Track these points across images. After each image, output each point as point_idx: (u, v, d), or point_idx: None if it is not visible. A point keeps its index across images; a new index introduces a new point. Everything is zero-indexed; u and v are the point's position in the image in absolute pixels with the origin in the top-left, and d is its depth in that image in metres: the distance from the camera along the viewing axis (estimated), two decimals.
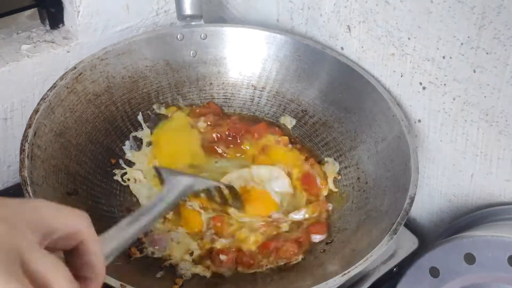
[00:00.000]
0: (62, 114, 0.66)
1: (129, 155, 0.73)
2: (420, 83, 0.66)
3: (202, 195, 0.66)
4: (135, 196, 0.69)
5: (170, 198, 0.56)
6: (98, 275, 0.36)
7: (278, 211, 0.68)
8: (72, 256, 0.35)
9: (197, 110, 0.79)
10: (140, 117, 0.76)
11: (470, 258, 0.58)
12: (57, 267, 0.32)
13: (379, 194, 0.65)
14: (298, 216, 0.68)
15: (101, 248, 0.36)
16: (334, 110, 0.76)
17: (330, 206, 0.69)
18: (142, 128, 0.75)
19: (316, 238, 0.66)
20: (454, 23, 0.59)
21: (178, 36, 0.78)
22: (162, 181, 0.62)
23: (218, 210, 0.67)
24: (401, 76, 0.68)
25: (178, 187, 0.58)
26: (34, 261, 0.30)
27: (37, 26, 0.78)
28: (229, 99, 0.81)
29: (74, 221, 0.35)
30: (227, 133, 0.75)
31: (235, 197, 0.67)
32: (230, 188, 0.67)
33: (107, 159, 0.71)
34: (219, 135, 0.75)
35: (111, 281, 0.50)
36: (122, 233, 0.44)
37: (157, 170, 0.66)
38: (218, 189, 0.65)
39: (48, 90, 0.66)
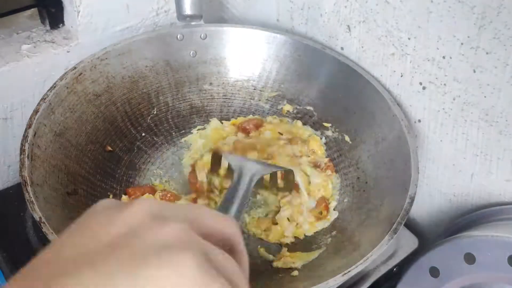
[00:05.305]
0: (62, 114, 0.66)
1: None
2: (420, 83, 0.66)
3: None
4: None
5: (244, 186, 0.57)
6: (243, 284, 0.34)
7: None
8: None
9: None
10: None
11: (470, 258, 0.58)
12: (232, 260, 0.31)
13: (379, 194, 0.65)
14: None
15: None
16: (334, 110, 0.76)
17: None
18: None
19: None
20: (454, 23, 0.59)
21: (178, 36, 0.77)
22: (215, 167, 0.64)
23: None
24: (401, 76, 0.68)
25: (247, 174, 0.59)
26: (216, 257, 0.30)
27: (37, 26, 0.78)
28: (229, 99, 0.81)
29: (230, 227, 0.34)
30: None
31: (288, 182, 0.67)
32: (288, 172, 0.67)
33: (107, 159, 0.71)
34: None
35: None
36: None
37: (216, 155, 0.65)
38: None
39: (48, 90, 0.66)
